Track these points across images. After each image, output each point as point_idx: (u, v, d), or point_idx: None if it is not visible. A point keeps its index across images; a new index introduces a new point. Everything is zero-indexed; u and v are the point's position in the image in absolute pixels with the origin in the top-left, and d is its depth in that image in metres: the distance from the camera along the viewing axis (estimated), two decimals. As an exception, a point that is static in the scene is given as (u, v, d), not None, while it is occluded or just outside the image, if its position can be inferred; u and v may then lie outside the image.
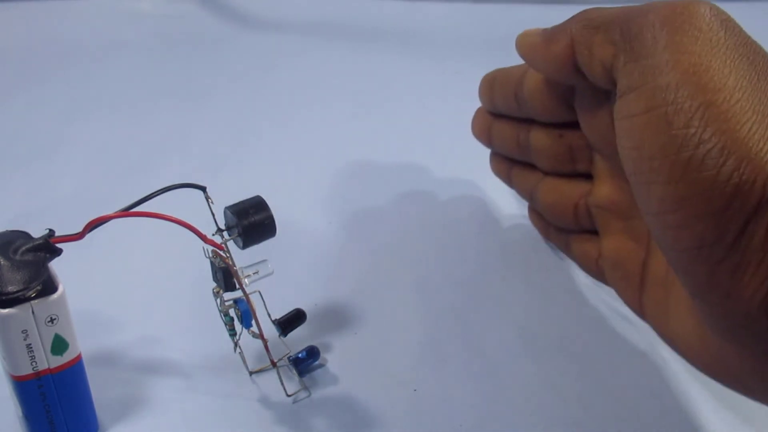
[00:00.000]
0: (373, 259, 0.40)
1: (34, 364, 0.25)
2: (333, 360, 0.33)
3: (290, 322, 0.31)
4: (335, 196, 0.45)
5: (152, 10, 0.80)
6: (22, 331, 0.24)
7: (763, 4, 0.74)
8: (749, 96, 0.21)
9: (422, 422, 0.30)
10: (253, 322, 0.29)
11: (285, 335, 0.31)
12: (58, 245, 0.26)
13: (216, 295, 0.30)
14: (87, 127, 0.54)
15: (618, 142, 0.24)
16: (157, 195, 0.27)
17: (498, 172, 0.40)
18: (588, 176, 0.33)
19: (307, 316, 0.32)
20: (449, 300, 0.36)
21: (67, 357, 0.26)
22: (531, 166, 0.36)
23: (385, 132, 0.53)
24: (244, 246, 0.29)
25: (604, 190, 0.32)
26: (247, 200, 0.30)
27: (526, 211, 0.40)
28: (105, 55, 0.68)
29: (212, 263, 0.29)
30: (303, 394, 0.31)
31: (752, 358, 0.22)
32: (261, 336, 0.30)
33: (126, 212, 0.27)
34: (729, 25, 0.23)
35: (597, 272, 0.33)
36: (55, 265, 0.26)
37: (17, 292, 0.24)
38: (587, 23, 0.27)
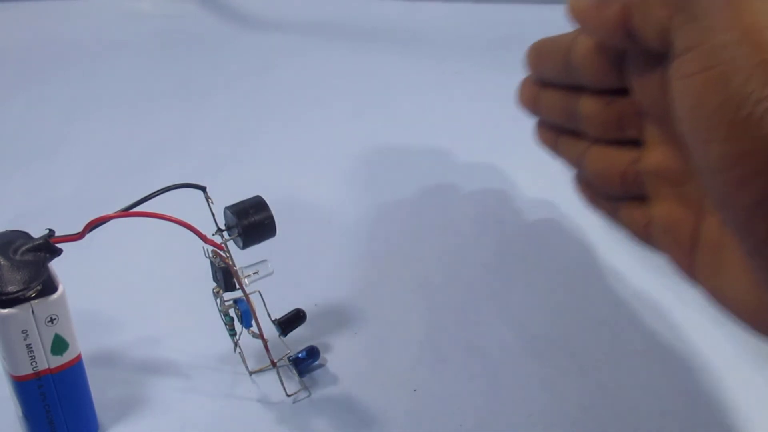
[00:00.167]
0: (373, 259, 0.40)
1: (34, 364, 0.25)
2: (333, 360, 0.33)
3: (290, 322, 0.31)
4: (335, 196, 0.45)
5: (152, 10, 0.80)
6: (22, 331, 0.24)
7: None
8: None
9: (422, 422, 0.30)
10: (253, 322, 0.29)
11: (285, 335, 0.31)
12: (58, 245, 0.26)
13: (216, 295, 0.30)
14: (87, 127, 0.54)
15: (675, 103, 0.25)
16: (157, 195, 0.27)
17: (544, 141, 0.40)
18: (636, 143, 0.34)
19: (307, 316, 0.32)
20: (449, 300, 0.36)
21: (67, 357, 0.26)
22: (578, 134, 0.36)
23: (385, 132, 0.53)
24: (244, 246, 0.29)
25: (655, 156, 0.32)
26: (247, 200, 0.30)
27: (526, 211, 0.40)
28: (105, 55, 0.68)
29: (212, 263, 0.29)
30: (303, 394, 0.31)
31: None
32: (261, 336, 0.30)
33: (126, 212, 0.27)
34: None
35: (646, 238, 0.33)
36: (55, 265, 0.26)
37: (17, 292, 0.24)
38: None
